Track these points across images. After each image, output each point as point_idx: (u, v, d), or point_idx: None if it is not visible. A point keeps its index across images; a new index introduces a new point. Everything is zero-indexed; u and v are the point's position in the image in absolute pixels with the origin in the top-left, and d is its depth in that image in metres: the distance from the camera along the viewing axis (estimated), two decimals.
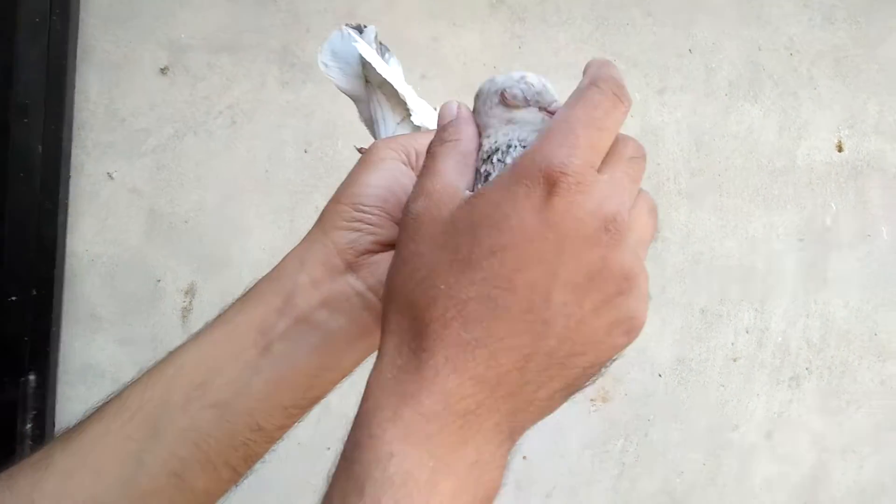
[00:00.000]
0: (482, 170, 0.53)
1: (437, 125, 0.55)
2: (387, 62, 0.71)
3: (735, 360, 1.68)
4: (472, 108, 0.56)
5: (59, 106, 1.44)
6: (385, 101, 0.72)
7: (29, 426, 1.46)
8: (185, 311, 1.54)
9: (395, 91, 0.70)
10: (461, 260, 0.48)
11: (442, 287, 0.48)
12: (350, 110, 1.54)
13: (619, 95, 0.51)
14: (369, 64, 0.68)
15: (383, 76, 0.68)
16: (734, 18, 1.64)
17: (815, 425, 1.71)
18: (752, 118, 1.67)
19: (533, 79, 0.55)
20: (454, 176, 0.52)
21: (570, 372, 0.50)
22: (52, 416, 1.50)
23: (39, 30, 1.41)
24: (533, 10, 1.58)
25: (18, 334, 1.45)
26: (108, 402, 0.61)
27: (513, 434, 0.50)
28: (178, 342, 1.47)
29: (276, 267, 0.64)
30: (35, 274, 1.46)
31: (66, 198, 1.49)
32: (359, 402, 0.49)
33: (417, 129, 0.72)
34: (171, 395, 0.60)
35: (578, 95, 0.50)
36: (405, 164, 0.65)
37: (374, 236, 0.62)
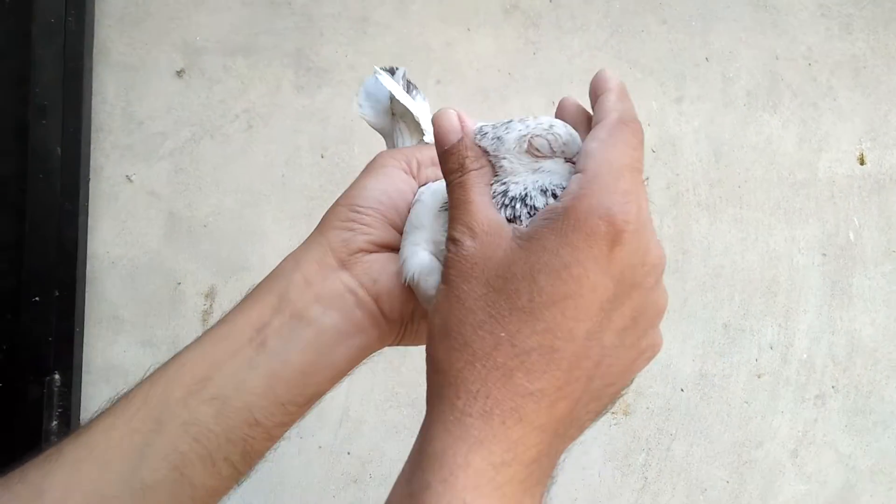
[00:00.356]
0: (506, 213, 0.54)
1: (438, 133, 0.57)
2: (413, 98, 0.76)
3: (759, 377, 1.64)
4: (488, 126, 0.57)
5: (77, 108, 1.46)
6: (405, 128, 0.76)
7: (54, 423, 1.47)
8: (206, 314, 1.53)
9: (415, 118, 0.74)
10: (522, 308, 0.49)
11: (503, 335, 0.49)
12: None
13: (641, 131, 0.53)
14: (395, 97, 0.73)
15: (405, 105, 0.73)
16: (750, 27, 1.64)
17: (842, 445, 1.66)
18: (772, 129, 1.65)
19: (560, 129, 0.56)
20: (491, 209, 0.54)
21: (602, 403, 0.54)
22: (77, 415, 1.51)
23: (55, 30, 1.44)
24: (547, 16, 1.59)
25: (42, 334, 1.47)
26: (117, 400, 0.63)
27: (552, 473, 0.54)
28: None
29: (274, 268, 0.67)
30: (57, 275, 1.47)
31: (87, 200, 1.51)
32: (421, 430, 0.51)
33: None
34: (173, 391, 0.61)
35: (613, 135, 0.52)
36: (405, 172, 0.67)
37: (368, 235, 0.64)
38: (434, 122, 0.57)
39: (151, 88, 1.52)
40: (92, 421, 0.63)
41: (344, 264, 0.64)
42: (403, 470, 0.52)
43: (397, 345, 0.69)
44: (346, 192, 0.67)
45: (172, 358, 0.65)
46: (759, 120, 1.65)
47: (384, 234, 0.65)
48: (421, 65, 1.56)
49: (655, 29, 1.62)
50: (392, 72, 0.77)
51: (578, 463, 1.61)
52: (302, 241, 0.68)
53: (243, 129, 1.54)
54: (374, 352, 0.67)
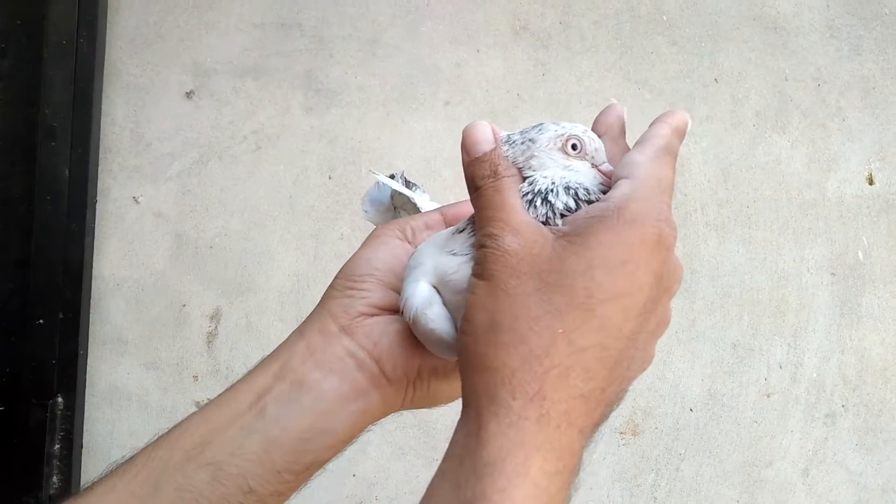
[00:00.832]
0: (535, 212, 0.54)
1: (470, 143, 0.57)
2: (413, 191, 0.79)
3: (769, 396, 1.63)
4: (515, 134, 0.59)
5: (86, 129, 1.46)
6: (406, 214, 0.80)
7: (57, 447, 1.47)
8: (211, 336, 1.53)
9: (412, 201, 0.78)
10: (579, 305, 0.49)
11: (560, 331, 0.49)
12: (373, 136, 1.55)
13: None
14: (396, 192, 0.78)
15: (406, 195, 0.78)
16: (760, 48, 1.64)
17: (853, 464, 1.65)
18: (780, 149, 1.65)
19: (594, 135, 0.59)
20: (525, 213, 0.54)
21: (614, 407, 0.53)
22: (80, 438, 1.51)
23: (66, 52, 1.44)
24: (556, 38, 1.59)
25: (46, 357, 1.47)
26: (120, 463, 0.63)
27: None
28: (203, 367, 1.47)
29: (281, 343, 0.66)
30: (62, 297, 1.47)
31: (93, 221, 1.51)
32: (467, 436, 0.50)
33: None
34: (173, 454, 0.61)
35: (659, 156, 0.53)
36: (401, 239, 0.68)
37: (367, 299, 0.64)
38: (466, 132, 0.58)
39: (160, 110, 1.52)
40: (95, 483, 0.63)
41: (345, 329, 0.64)
42: (444, 472, 0.50)
43: (408, 408, 0.68)
44: (343, 265, 0.68)
45: (178, 423, 0.65)
46: (767, 140, 1.65)
47: (384, 297, 0.65)
48: (430, 86, 1.56)
49: (665, 50, 1.61)
50: (393, 176, 0.81)
51: (586, 484, 1.60)
52: (306, 316, 0.68)
53: (251, 150, 1.53)
54: (379, 418, 0.66)
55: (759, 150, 1.65)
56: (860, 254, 1.66)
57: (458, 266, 0.59)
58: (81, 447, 1.51)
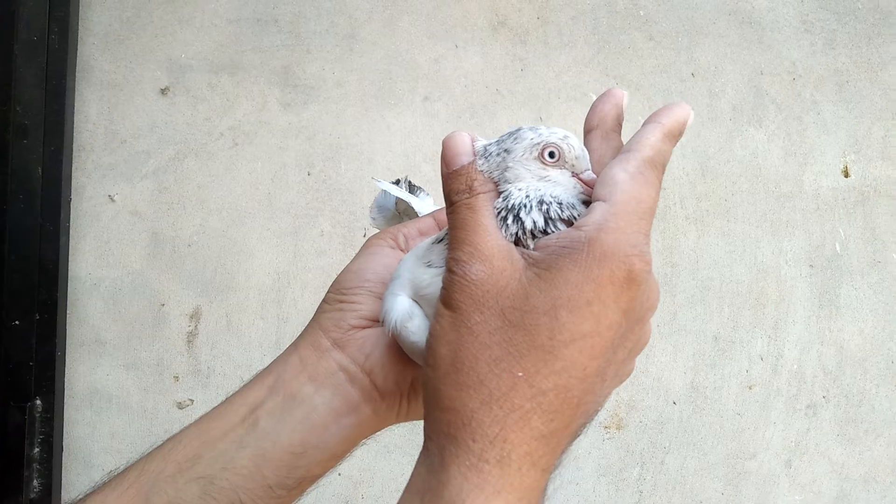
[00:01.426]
0: (509, 219, 0.52)
1: (449, 155, 0.55)
2: (417, 196, 0.80)
3: (750, 388, 1.64)
4: (492, 144, 0.56)
5: (59, 126, 1.44)
6: (407, 218, 0.80)
7: (37, 450, 1.44)
8: (191, 336, 1.50)
9: (411, 207, 0.78)
10: (541, 346, 0.48)
11: (521, 375, 0.48)
12: (352, 131, 1.54)
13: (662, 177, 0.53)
14: (399, 198, 0.79)
15: (407, 202, 0.78)
16: (736, 43, 1.65)
17: (835, 454, 1.66)
18: (757, 143, 1.66)
19: (575, 141, 0.55)
20: (499, 236, 0.52)
21: (582, 429, 0.53)
22: (60, 441, 1.48)
23: (37, 48, 1.41)
24: (535, 33, 1.59)
25: (23, 359, 1.44)
26: (113, 476, 0.63)
27: None
28: (184, 367, 1.45)
29: (278, 355, 0.66)
30: (37, 298, 1.45)
31: (68, 220, 1.48)
32: (429, 472, 0.49)
33: None
34: (166, 467, 0.61)
35: (643, 173, 0.50)
36: (392, 248, 0.68)
37: (357, 312, 0.64)
38: (445, 143, 0.55)
39: (135, 106, 1.49)
40: (86, 496, 0.62)
41: (337, 343, 0.63)
42: None
43: (402, 421, 0.67)
44: (335, 279, 0.67)
45: (171, 436, 0.64)
46: (744, 134, 1.66)
47: (375, 308, 0.64)
48: (408, 82, 1.55)
49: (642, 45, 1.62)
50: (397, 182, 0.82)
51: (572, 478, 1.59)
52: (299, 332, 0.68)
53: (228, 147, 1.51)
54: (372, 433, 0.66)
55: (736, 144, 1.66)
56: (837, 245, 1.68)
57: (430, 280, 0.57)
58: (62, 450, 1.48)
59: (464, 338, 0.49)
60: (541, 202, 0.53)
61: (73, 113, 1.47)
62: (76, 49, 1.47)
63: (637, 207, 0.49)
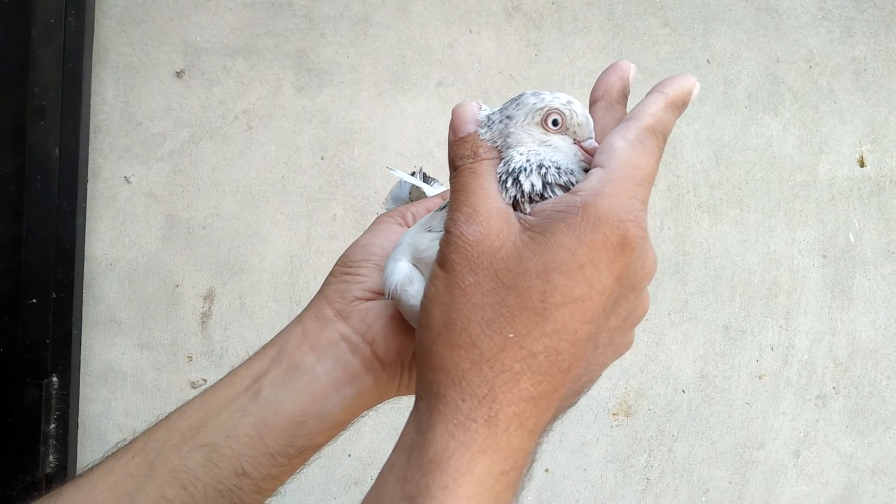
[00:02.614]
0: (508, 182, 0.53)
1: (457, 123, 0.56)
2: (431, 185, 0.80)
3: (760, 378, 1.64)
4: (496, 112, 0.56)
5: (76, 108, 1.45)
6: None
7: (53, 426, 1.47)
8: (205, 317, 1.52)
9: (425, 194, 0.80)
10: (533, 308, 0.48)
11: (512, 336, 0.48)
12: (365, 116, 1.54)
13: (664, 147, 0.53)
14: (414, 187, 0.80)
15: (421, 189, 0.79)
16: (752, 29, 1.63)
17: (844, 445, 1.66)
18: (772, 131, 1.65)
19: (578, 107, 0.55)
20: (499, 200, 0.52)
21: (576, 398, 0.53)
22: (76, 417, 1.50)
23: (55, 30, 1.43)
24: (549, 18, 1.58)
25: (40, 337, 1.46)
26: (120, 446, 0.64)
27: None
28: (197, 347, 1.48)
29: (283, 328, 0.67)
30: (55, 277, 1.47)
31: (84, 201, 1.50)
32: (417, 431, 0.50)
33: None
34: (171, 436, 0.62)
35: (643, 140, 0.51)
36: (400, 225, 0.69)
37: (362, 284, 0.65)
38: (454, 112, 0.56)
39: (151, 89, 1.51)
40: (94, 465, 0.63)
41: (340, 314, 0.64)
42: (393, 464, 0.51)
43: (404, 394, 0.67)
44: (342, 253, 0.68)
45: (178, 407, 0.65)
46: (759, 122, 1.65)
47: (377, 281, 0.65)
48: (422, 66, 1.56)
49: (657, 31, 1.61)
50: (413, 173, 0.82)
51: (580, 464, 1.60)
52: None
53: (243, 130, 1.52)
54: (374, 404, 0.66)
55: (751, 132, 1.65)
56: (851, 236, 1.67)
57: (429, 243, 0.58)
58: (77, 426, 1.51)
59: (457, 299, 0.50)
60: (540, 166, 0.53)
61: (89, 95, 1.48)
62: (93, 31, 1.48)
63: (634, 174, 0.50)
